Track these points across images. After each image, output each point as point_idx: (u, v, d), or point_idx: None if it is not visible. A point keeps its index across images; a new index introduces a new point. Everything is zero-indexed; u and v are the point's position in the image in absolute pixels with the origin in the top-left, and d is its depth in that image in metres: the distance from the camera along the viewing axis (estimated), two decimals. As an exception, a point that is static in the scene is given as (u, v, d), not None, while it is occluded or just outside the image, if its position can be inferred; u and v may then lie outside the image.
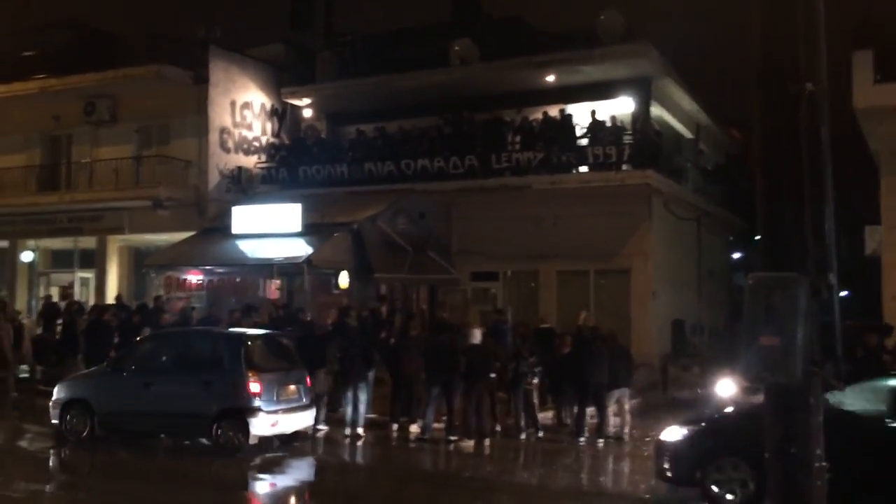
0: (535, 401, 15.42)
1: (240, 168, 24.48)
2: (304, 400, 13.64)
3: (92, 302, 24.01)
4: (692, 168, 25.10)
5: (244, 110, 25.10)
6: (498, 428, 15.09)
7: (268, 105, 25.89)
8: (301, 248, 19.53)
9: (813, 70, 4.52)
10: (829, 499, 4.45)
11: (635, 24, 22.25)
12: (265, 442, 13.02)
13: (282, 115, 26.24)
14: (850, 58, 16.45)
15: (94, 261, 25.83)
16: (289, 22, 28.45)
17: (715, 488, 9.67)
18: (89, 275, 26.37)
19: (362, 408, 14.78)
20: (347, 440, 14.43)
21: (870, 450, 8.95)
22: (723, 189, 27.51)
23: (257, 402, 12.60)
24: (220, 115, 24.34)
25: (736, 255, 32.17)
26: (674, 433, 10.50)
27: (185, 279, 21.40)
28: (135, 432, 13.63)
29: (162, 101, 23.99)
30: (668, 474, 10.32)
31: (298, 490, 11.92)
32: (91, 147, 25.72)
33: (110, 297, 23.40)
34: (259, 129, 25.66)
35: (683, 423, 10.99)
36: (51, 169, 26.52)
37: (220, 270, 21.33)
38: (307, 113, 26.10)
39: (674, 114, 24.52)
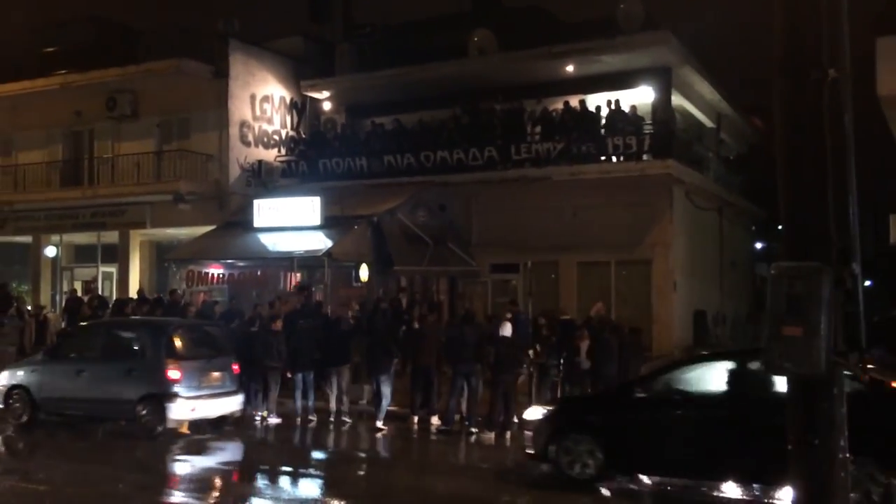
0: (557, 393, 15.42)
1: (260, 162, 24.56)
2: (230, 386, 14.26)
3: (115, 296, 24.22)
4: (713, 157, 24.91)
5: (264, 104, 25.17)
6: (516, 419, 15.10)
7: (287, 98, 25.95)
8: (321, 241, 19.59)
9: (836, 57, 4.45)
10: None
11: (655, 13, 22.09)
12: (195, 425, 13.86)
13: (301, 108, 26.30)
14: (873, 44, 16.22)
15: (116, 255, 26.04)
16: (308, 14, 28.50)
17: (565, 462, 10.34)
18: (112, 269, 26.59)
19: (385, 402, 14.83)
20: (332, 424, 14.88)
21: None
22: (744, 179, 27.30)
23: (176, 388, 13.26)
24: (240, 109, 24.43)
25: (758, 245, 31.96)
26: (535, 412, 11.17)
27: (207, 273, 21.52)
28: (71, 416, 14.33)
29: (182, 95, 24.11)
30: (529, 451, 10.90)
31: (215, 470, 12.17)
32: (113, 142, 25.91)
33: (133, 291, 23.57)
34: (279, 122, 25.73)
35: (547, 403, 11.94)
36: (73, 164, 26.73)
37: (241, 264, 21.43)
38: (327, 106, 26.14)
39: (695, 103, 24.34)
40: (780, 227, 4.62)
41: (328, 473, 12.09)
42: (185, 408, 13.36)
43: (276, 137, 25.59)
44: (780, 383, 9.58)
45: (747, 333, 24.03)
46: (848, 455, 4.39)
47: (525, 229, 21.43)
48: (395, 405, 15.47)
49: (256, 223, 21.12)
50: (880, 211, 20.03)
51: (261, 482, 11.59)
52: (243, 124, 24.51)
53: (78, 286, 25.43)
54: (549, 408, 11.37)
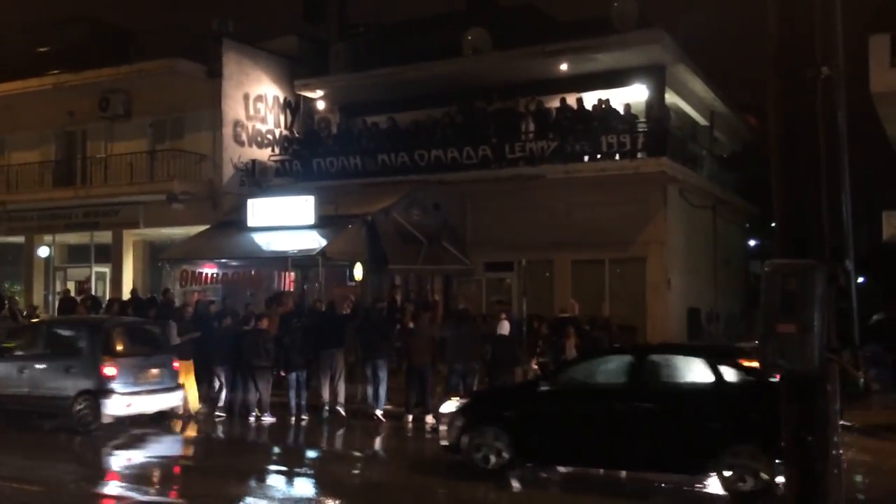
0: None
1: (254, 161, 24.53)
2: (169, 383, 14.73)
3: (108, 296, 24.17)
4: (707, 155, 24.95)
5: (257, 103, 25.13)
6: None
7: (281, 97, 25.91)
8: (315, 241, 19.56)
9: (829, 54, 4.46)
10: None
11: (649, 12, 22.10)
12: (133, 420, 14.31)
13: (295, 107, 26.24)
14: (866, 42, 16.27)
15: (109, 255, 25.97)
16: (302, 14, 28.44)
17: (475, 454, 10.66)
18: (105, 269, 26.54)
19: (382, 390, 14.87)
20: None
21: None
22: (738, 176, 27.35)
23: (112, 385, 13.82)
24: (234, 109, 24.38)
25: (752, 243, 32.00)
26: (450, 406, 11.46)
27: (201, 272, 21.47)
28: (18, 412, 14.66)
29: (176, 95, 24.06)
30: (444, 442, 11.24)
31: (150, 463, 12.45)
32: (106, 142, 25.84)
33: (126, 291, 23.52)
34: (273, 121, 25.68)
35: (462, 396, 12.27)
36: (66, 164, 26.66)
37: (235, 263, 21.39)
38: (321, 105, 26.09)
39: (688, 101, 24.36)
40: (773, 225, 4.63)
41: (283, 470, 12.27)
42: (121, 403, 13.89)
43: (270, 137, 25.54)
44: (677, 375, 10.33)
45: (741, 330, 24.09)
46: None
47: (519, 228, 21.44)
48: (390, 404, 15.50)
49: (250, 223, 21.08)
50: (874, 208, 20.08)
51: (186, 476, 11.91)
52: (237, 124, 24.46)
53: (71, 286, 25.39)
54: (463, 401, 11.72)
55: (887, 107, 17.02)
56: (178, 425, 15.13)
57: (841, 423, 4.51)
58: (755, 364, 9.78)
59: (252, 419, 15.29)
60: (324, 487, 10.86)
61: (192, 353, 15.61)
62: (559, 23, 24.29)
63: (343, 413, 15.36)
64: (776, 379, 9.42)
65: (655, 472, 10.36)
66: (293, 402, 15.45)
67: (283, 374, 15.72)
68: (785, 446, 4.44)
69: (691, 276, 22.51)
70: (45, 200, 25.91)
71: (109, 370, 13.84)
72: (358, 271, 19.58)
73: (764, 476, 9.13)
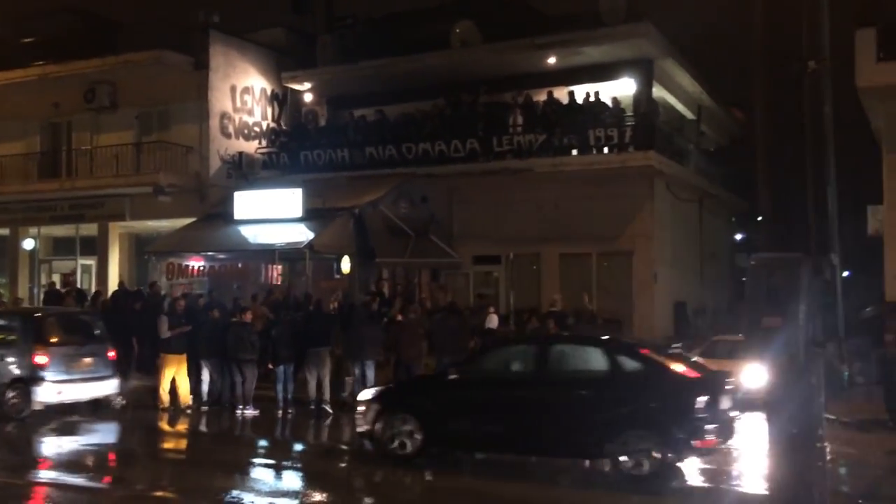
0: None
1: (241, 153, 24.42)
2: (103, 371, 14.91)
3: (94, 289, 24.02)
4: (694, 149, 25.01)
5: (245, 95, 25.01)
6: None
7: (268, 90, 25.80)
8: (303, 234, 19.52)
9: (815, 48, 4.47)
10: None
11: (638, 5, 22.08)
12: (67, 408, 14.48)
13: (282, 99, 26.14)
14: (852, 36, 16.33)
15: (95, 248, 25.82)
16: (289, 5, 28.29)
17: (388, 440, 10.85)
18: (91, 262, 26.39)
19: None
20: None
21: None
22: (725, 170, 27.43)
23: (43, 373, 14.05)
24: (221, 101, 24.26)
25: (738, 237, 32.13)
26: (366, 394, 11.70)
27: (187, 265, 21.39)
28: None
29: (162, 86, 23.91)
30: (359, 429, 11.39)
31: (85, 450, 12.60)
32: (91, 133, 25.67)
33: (113, 284, 23.38)
34: (260, 114, 25.58)
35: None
36: (51, 156, 26.47)
37: (222, 256, 21.33)
38: (308, 97, 25.99)
39: (676, 95, 24.42)
40: (759, 219, 4.64)
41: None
42: (52, 391, 14.11)
43: (257, 129, 25.44)
44: (577, 364, 10.61)
45: (728, 324, 24.17)
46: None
47: (507, 221, 21.46)
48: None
49: (237, 215, 21.01)
50: (859, 202, 20.18)
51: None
52: (224, 116, 24.35)
53: (56, 279, 25.23)
54: (378, 389, 11.94)
55: (872, 101, 17.10)
56: (163, 417, 15.08)
57: (825, 416, 4.53)
58: (648, 352, 10.63)
59: (238, 412, 15.27)
60: (307, 480, 10.92)
61: (184, 347, 15.56)
62: (548, 16, 24.25)
63: (329, 410, 15.33)
64: (675, 367, 10.13)
65: (557, 456, 10.84)
66: (280, 396, 15.45)
67: (270, 366, 15.72)
68: (771, 438, 4.46)
69: (678, 270, 22.58)
70: (31, 192, 25.72)
71: (41, 358, 14.09)
72: (345, 264, 19.56)
73: (656, 455, 9.55)
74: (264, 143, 25.17)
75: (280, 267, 20.68)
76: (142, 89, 24.30)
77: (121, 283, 22.39)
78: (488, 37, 22.89)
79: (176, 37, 23.91)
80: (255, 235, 20.60)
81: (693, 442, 9.60)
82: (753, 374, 14.84)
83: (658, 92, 22.55)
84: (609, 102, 20.92)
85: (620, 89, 21.64)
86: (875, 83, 16.05)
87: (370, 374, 15.00)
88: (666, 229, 21.58)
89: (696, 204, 24.51)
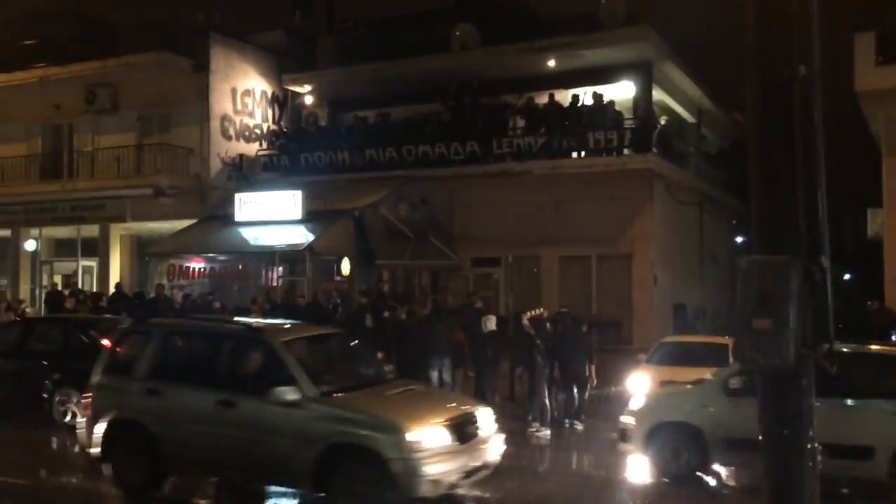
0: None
1: (241, 155, 24.49)
2: None
3: (95, 290, 24.09)
4: (694, 152, 25.05)
5: (245, 97, 25.09)
6: None
7: (269, 92, 25.88)
8: (303, 235, 19.58)
9: (806, 53, 4.51)
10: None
11: (637, 8, 22.18)
12: None
13: (283, 102, 26.22)
14: (851, 40, 16.39)
15: (96, 249, 25.90)
16: (290, 8, 28.39)
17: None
18: (92, 263, 26.47)
19: None
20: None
21: None
22: (726, 173, 27.46)
23: None
24: (221, 103, 24.34)
25: (739, 239, 32.14)
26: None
27: (188, 267, 21.45)
28: None
29: (163, 88, 24.00)
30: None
31: None
32: (92, 135, 25.77)
33: (113, 285, 23.42)
34: (260, 116, 25.65)
35: None
36: (52, 158, 26.57)
37: (223, 258, 21.38)
38: (308, 100, 26.07)
39: (676, 98, 24.46)
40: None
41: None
42: None
43: (258, 131, 25.52)
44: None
45: (727, 327, 24.18)
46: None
47: (506, 223, 21.50)
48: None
49: (238, 217, 21.07)
50: (859, 205, 20.23)
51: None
52: (224, 118, 24.43)
53: (58, 280, 25.30)
54: None
55: (872, 105, 17.16)
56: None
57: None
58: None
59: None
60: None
61: None
62: (547, 19, 24.32)
63: None
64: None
65: None
66: None
67: None
68: (761, 440, 4.50)
69: (678, 273, 22.62)
70: (32, 194, 25.83)
71: None
72: (345, 266, 19.61)
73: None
74: (265, 145, 25.25)
75: (280, 269, 20.71)
76: (142, 91, 24.39)
77: (118, 286, 22.42)
78: (488, 40, 22.96)
79: (176, 39, 23.99)
80: (255, 237, 20.66)
81: None
82: None
83: (658, 95, 22.60)
84: (608, 105, 20.96)
85: (621, 92, 21.69)
86: (874, 87, 16.13)
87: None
88: (666, 232, 21.62)
89: (696, 207, 24.55)
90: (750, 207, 4.71)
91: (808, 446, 4.36)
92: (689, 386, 11.34)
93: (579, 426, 14.00)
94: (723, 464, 10.51)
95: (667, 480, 10.37)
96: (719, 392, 10.15)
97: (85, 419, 9.80)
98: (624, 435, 10.85)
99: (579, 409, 14.16)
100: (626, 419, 10.90)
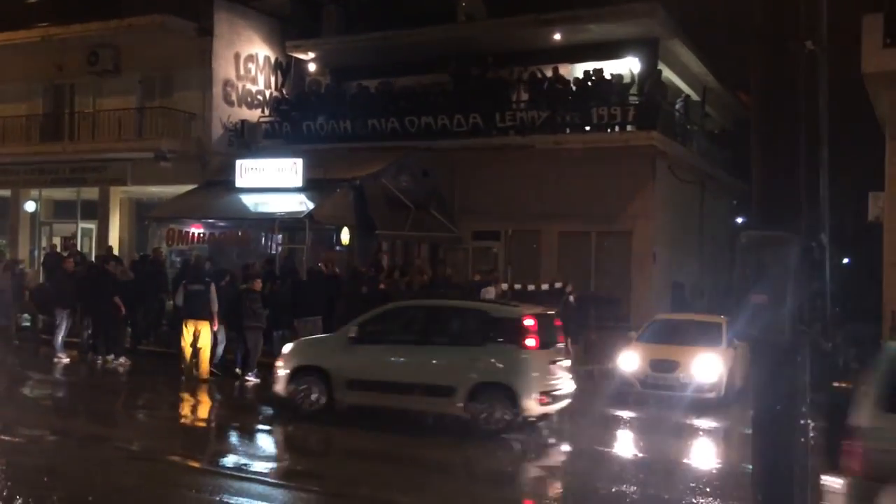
0: None
1: (243, 121, 24.39)
2: None
3: (94, 253, 24.10)
4: (698, 131, 24.94)
5: (248, 63, 24.94)
6: None
7: (272, 58, 25.72)
8: (303, 203, 19.56)
9: (813, 29, 4.46)
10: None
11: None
12: None
13: (286, 68, 26.06)
14: (859, 21, 16.25)
15: (96, 211, 25.86)
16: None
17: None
18: (91, 226, 26.44)
19: None
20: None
21: None
22: (728, 153, 27.37)
23: None
24: (224, 68, 24.20)
25: (739, 220, 32.09)
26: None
27: (187, 232, 21.43)
28: None
29: (166, 52, 23.84)
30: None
31: None
32: (94, 97, 25.64)
33: (114, 249, 23.38)
34: (263, 82, 25.51)
35: None
36: (53, 118, 26.44)
37: (222, 224, 21.35)
38: (312, 67, 25.92)
39: (681, 75, 24.32)
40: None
41: None
42: None
43: (260, 98, 25.39)
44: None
45: (724, 307, 24.20)
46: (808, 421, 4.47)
47: (507, 197, 21.45)
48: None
49: (238, 183, 21.03)
50: (861, 188, 20.17)
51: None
52: (227, 83, 24.29)
53: (57, 242, 25.28)
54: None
55: (878, 87, 17.04)
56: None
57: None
58: None
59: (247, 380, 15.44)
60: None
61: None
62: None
63: None
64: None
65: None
66: None
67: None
68: (755, 415, 4.51)
69: (677, 251, 22.61)
70: (33, 154, 25.73)
71: None
72: (345, 235, 19.59)
73: None
74: (267, 111, 25.13)
75: (280, 236, 20.69)
76: (145, 54, 24.24)
77: (108, 248, 22.33)
78: (494, 11, 22.79)
79: (180, 2, 23.77)
80: (255, 204, 20.62)
81: None
82: (707, 365, 14.32)
83: (663, 72, 22.44)
84: (613, 81, 20.84)
85: (625, 68, 21.57)
86: (881, 69, 15.97)
87: None
88: (666, 210, 21.58)
89: (697, 186, 24.49)
90: (751, 187, 4.69)
91: (801, 422, 4.37)
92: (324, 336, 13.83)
93: None
94: (345, 400, 12.28)
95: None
96: (343, 341, 12.19)
97: None
98: (275, 377, 12.53)
99: None
100: (278, 363, 12.64)
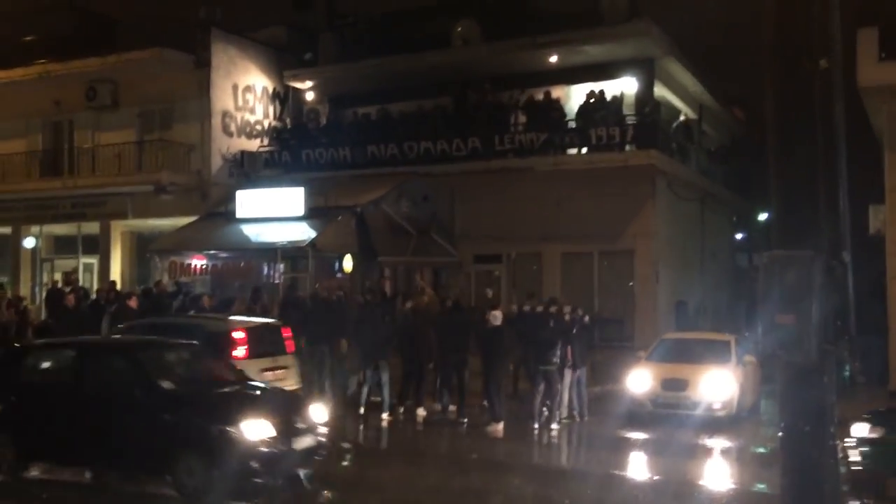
0: None
1: (242, 152, 24.42)
2: None
3: (95, 287, 23.99)
4: (695, 148, 25.01)
5: (246, 94, 25.01)
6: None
7: (270, 88, 25.79)
8: (305, 232, 19.55)
9: (826, 47, 4.48)
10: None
11: (639, 4, 22.09)
12: None
13: (284, 98, 26.13)
14: (854, 35, 16.34)
15: (97, 246, 25.82)
16: (290, 3, 28.26)
17: None
18: (93, 260, 26.38)
19: (386, 391, 14.84)
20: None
21: None
22: (726, 170, 27.44)
23: None
24: (223, 99, 24.26)
25: (739, 236, 32.14)
26: None
27: (189, 264, 21.39)
28: None
29: (164, 85, 23.91)
30: None
31: None
32: (93, 132, 25.66)
33: (117, 283, 23.31)
34: (261, 112, 25.57)
35: None
36: (53, 154, 26.47)
37: (224, 255, 21.33)
38: (310, 96, 25.98)
39: (677, 94, 24.42)
40: (759, 218, 4.66)
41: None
42: None
43: (259, 128, 25.44)
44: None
45: (728, 324, 24.17)
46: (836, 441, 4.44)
47: (508, 220, 21.43)
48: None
49: (239, 214, 21.03)
50: (860, 201, 20.17)
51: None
52: (225, 114, 24.35)
53: (58, 278, 25.21)
54: None
55: (874, 100, 17.11)
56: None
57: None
58: None
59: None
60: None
61: None
62: (549, 14, 24.22)
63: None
64: None
65: None
66: None
67: None
68: (783, 435, 4.48)
69: (679, 269, 22.59)
70: (32, 191, 25.71)
71: None
72: (347, 263, 19.57)
73: None
74: (266, 141, 25.18)
75: (282, 266, 20.66)
76: (143, 88, 24.30)
77: (111, 283, 22.29)
78: (490, 35, 22.89)
79: (177, 35, 23.91)
80: (257, 234, 20.61)
81: None
82: (718, 383, 14.24)
83: (659, 91, 22.56)
84: (611, 101, 20.92)
85: (622, 88, 21.65)
86: (877, 82, 16.06)
87: (385, 377, 14.96)
88: (667, 228, 21.58)
89: (697, 203, 24.51)
90: (751, 204, 4.69)
91: (830, 443, 4.34)
92: None
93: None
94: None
95: None
96: None
97: None
98: None
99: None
100: None
